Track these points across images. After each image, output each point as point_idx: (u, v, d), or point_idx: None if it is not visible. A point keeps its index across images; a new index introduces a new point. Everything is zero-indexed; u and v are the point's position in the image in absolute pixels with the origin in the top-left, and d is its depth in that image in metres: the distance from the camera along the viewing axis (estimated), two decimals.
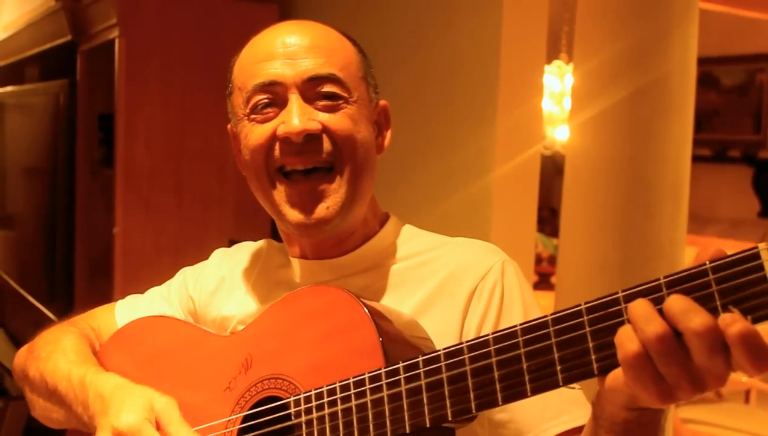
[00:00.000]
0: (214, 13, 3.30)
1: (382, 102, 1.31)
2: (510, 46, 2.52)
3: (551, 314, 0.85)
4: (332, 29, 1.27)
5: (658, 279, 0.79)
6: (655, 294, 0.79)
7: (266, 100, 1.18)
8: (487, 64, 2.58)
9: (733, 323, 0.74)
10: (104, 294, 3.46)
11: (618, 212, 2.54)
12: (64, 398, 1.25)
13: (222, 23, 3.32)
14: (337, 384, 1.01)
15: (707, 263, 0.76)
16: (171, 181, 3.26)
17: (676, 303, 0.76)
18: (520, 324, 0.86)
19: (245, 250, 1.45)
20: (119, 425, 1.09)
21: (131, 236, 3.21)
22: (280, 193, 1.18)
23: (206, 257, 1.48)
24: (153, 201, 3.24)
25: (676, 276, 0.78)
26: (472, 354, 0.89)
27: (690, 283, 0.77)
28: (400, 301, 1.21)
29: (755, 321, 0.75)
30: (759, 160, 8.34)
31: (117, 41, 3.16)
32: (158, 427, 1.09)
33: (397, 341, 1.05)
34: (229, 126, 1.31)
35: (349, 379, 0.99)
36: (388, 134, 1.30)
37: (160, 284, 1.52)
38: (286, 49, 1.19)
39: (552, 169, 6.46)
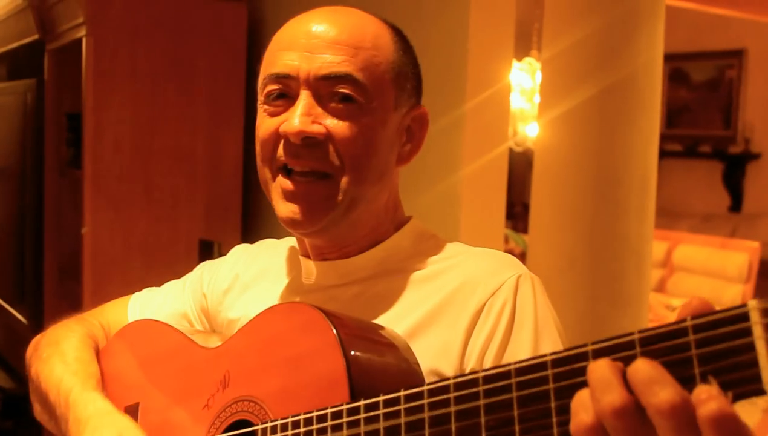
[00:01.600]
0: (182, 12, 3.28)
1: (421, 108, 1.21)
2: (477, 44, 2.53)
3: (515, 363, 0.75)
4: (373, 21, 1.18)
5: (632, 334, 0.68)
6: (625, 352, 0.68)
7: (278, 92, 1.13)
8: (454, 62, 2.58)
9: (707, 400, 0.62)
10: (74, 295, 3.43)
11: (586, 208, 2.55)
12: (53, 409, 1.23)
13: (190, 22, 3.30)
14: (302, 417, 0.96)
15: (688, 319, 0.65)
16: (140, 181, 3.24)
17: (642, 370, 0.65)
18: (483, 371, 0.78)
19: (264, 247, 1.40)
20: None
21: (100, 236, 3.19)
22: (277, 187, 1.14)
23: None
24: (122, 201, 3.21)
25: (652, 332, 0.67)
26: (432, 400, 0.82)
27: (667, 342, 0.66)
28: (402, 313, 1.13)
29: (736, 398, 0.63)
30: (729, 156, 8.43)
31: (84, 40, 3.13)
32: None
33: (371, 370, 0.99)
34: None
35: (312, 412, 0.95)
36: (420, 144, 1.22)
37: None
38: (307, 41, 1.12)
39: (525, 166, 6.49)
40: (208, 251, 3.16)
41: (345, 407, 0.92)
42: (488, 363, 1.06)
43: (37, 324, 3.70)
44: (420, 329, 1.10)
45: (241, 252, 1.42)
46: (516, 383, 0.75)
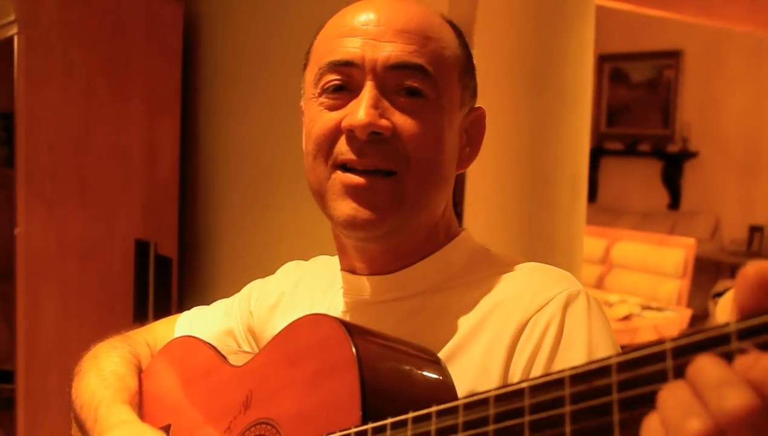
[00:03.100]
0: (117, 10, 3.25)
1: (480, 108, 1.12)
2: None
3: (528, 380, 0.65)
4: (436, 14, 1.08)
5: (663, 342, 0.55)
6: (655, 365, 0.55)
7: (338, 82, 1.02)
8: None
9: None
10: (7, 296, 3.38)
11: (518, 206, 2.59)
12: (84, 423, 1.17)
13: (126, 20, 3.27)
14: None
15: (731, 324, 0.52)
16: (75, 181, 3.20)
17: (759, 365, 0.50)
18: (495, 389, 0.68)
19: (317, 264, 1.31)
20: None
21: (34, 237, 3.15)
22: (335, 184, 1.02)
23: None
24: (56, 201, 3.18)
25: (686, 340, 0.53)
26: (439, 425, 0.73)
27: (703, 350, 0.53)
28: (447, 331, 1.03)
29: None
30: (668, 154, 8.59)
31: (16, 38, 3.09)
32: None
33: (392, 393, 0.89)
34: (301, 102, 1.14)
35: None
36: (479, 148, 1.12)
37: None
38: (373, 27, 1.02)
39: None
40: (144, 251, 3.14)
41: (353, 430, 0.83)
42: None
43: None
44: (461, 347, 1.01)
45: (291, 269, 1.33)
46: (529, 405, 0.64)
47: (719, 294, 5.81)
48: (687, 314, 5.00)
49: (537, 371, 0.94)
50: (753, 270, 0.52)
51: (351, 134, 1.00)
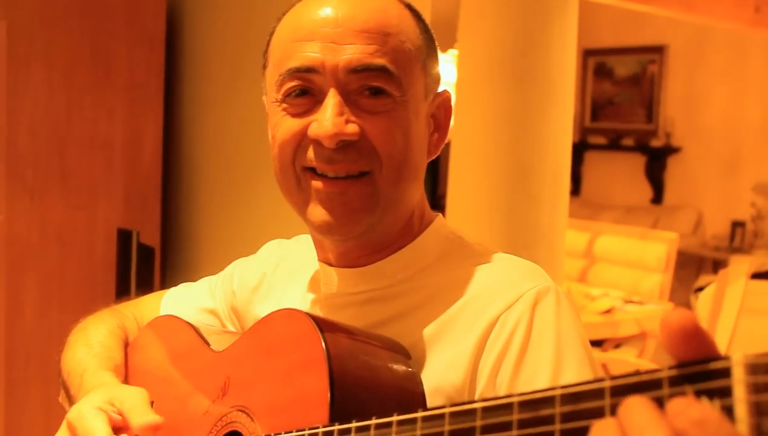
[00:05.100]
0: None
1: (444, 92, 1.10)
2: None
3: (482, 401, 0.67)
4: (393, 2, 1.05)
5: (603, 379, 0.57)
6: (594, 401, 0.57)
7: (300, 88, 1.00)
8: None
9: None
10: None
11: (501, 199, 2.60)
12: (69, 389, 1.20)
13: (108, 8, 3.25)
14: None
15: (665, 369, 0.54)
16: (56, 169, 3.18)
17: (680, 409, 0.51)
18: (450, 406, 0.69)
19: (299, 245, 1.30)
20: (70, 415, 1.01)
21: (15, 225, 3.13)
22: (307, 190, 1.02)
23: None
24: (38, 189, 3.16)
25: (622, 381, 0.56)
26: (400, 430, 0.75)
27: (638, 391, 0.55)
28: (418, 325, 1.03)
29: None
30: (651, 149, 8.63)
31: None
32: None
33: (359, 391, 0.92)
34: (263, 98, 1.13)
35: (292, 432, 0.89)
36: (447, 132, 1.11)
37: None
38: (331, 29, 0.99)
39: None
40: (127, 240, 3.12)
41: (321, 429, 0.85)
42: (502, 384, 0.95)
43: None
44: (431, 341, 1.01)
45: (272, 249, 1.34)
46: (480, 426, 0.66)
47: (701, 289, 5.84)
48: (668, 308, 5.03)
49: (506, 370, 0.94)
50: (675, 320, 0.52)
51: (318, 143, 0.99)
